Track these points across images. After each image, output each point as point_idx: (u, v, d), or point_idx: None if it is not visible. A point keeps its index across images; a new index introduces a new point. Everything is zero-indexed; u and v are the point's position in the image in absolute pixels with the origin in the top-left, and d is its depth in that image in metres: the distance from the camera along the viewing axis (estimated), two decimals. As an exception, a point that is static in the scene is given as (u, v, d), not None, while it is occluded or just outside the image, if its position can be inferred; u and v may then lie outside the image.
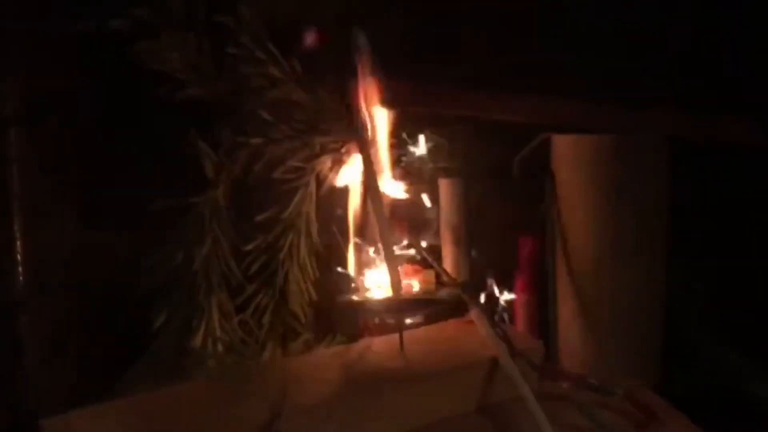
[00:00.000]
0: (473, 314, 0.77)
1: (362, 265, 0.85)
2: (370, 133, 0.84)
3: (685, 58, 0.90)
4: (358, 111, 0.83)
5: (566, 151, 0.83)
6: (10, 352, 0.79)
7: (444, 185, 0.88)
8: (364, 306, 0.81)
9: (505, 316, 0.88)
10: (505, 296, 0.89)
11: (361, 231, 0.85)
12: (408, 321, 0.83)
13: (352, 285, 0.84)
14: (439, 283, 0.85)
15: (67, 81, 0.86)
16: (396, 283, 0.74)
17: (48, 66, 0.84)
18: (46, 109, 0.84)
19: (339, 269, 0.86)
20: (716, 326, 0.91)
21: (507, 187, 0.91)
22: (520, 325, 0.87)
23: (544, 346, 0.78)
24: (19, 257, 0.81)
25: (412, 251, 0.87)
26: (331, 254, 0.88)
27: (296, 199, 0.87)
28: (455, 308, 0.82)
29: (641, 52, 0.90)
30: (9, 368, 0.79)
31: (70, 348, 0.83)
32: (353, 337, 0.85)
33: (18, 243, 0.81)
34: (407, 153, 0.92)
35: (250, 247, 0.84)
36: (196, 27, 0.85)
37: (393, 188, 0.87)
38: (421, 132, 0.91)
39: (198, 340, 0.78)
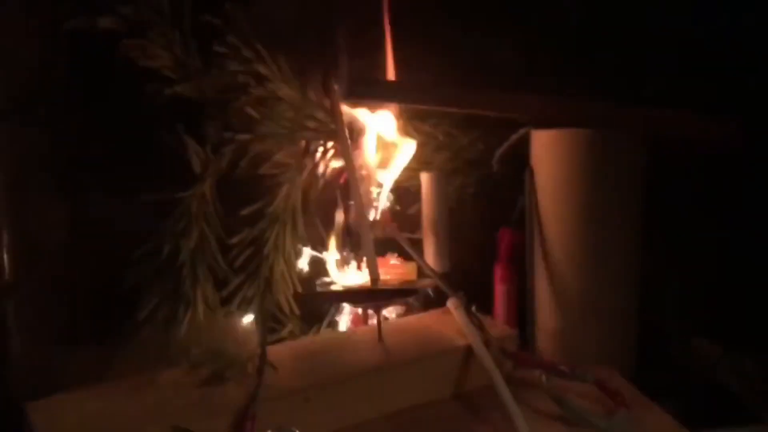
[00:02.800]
0: (450, 304, 0.79)
1: (344, 255, 0.87)
2: (351, 129, 0.86)
3: (658, 55, 0.92)
4: (339, 107, 0.85)
5: (545, 146, 0.85)
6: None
7: (425, 178, 0.90)
8: (343, 296, 0.82)
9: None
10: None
11: (344, 224, 0.87)
12: (387, 310, 0.85)
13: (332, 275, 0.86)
14: (420, 274, 0.86)
15: (55, 75, 0.87)
16: (374, 274, 0.76)
17: (35, 61, 0.86)
18: (33, 103, 0.85)
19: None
20: (691, 316, 0.92)
21: (487, 180, 0.93)
22: (499, 314, 0.88)
23: (520, 335, 0.80)
24: (5, 245, 0.83)
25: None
26: (316, 245, 0.89)
27: (282, 193, 0.89)
28: (434, 299, 0.84)
29: (616, 48, 0.92)
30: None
31: (57, 334, 0.85)
32: (336, 328, 0.87)
33: (4, 231, 0.83)
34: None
35: (235, 240, 0.86)
36: (184, 25, 0.87)
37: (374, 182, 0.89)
38: (403, 126, 0.93)
39: (183, 332, 0.80)
